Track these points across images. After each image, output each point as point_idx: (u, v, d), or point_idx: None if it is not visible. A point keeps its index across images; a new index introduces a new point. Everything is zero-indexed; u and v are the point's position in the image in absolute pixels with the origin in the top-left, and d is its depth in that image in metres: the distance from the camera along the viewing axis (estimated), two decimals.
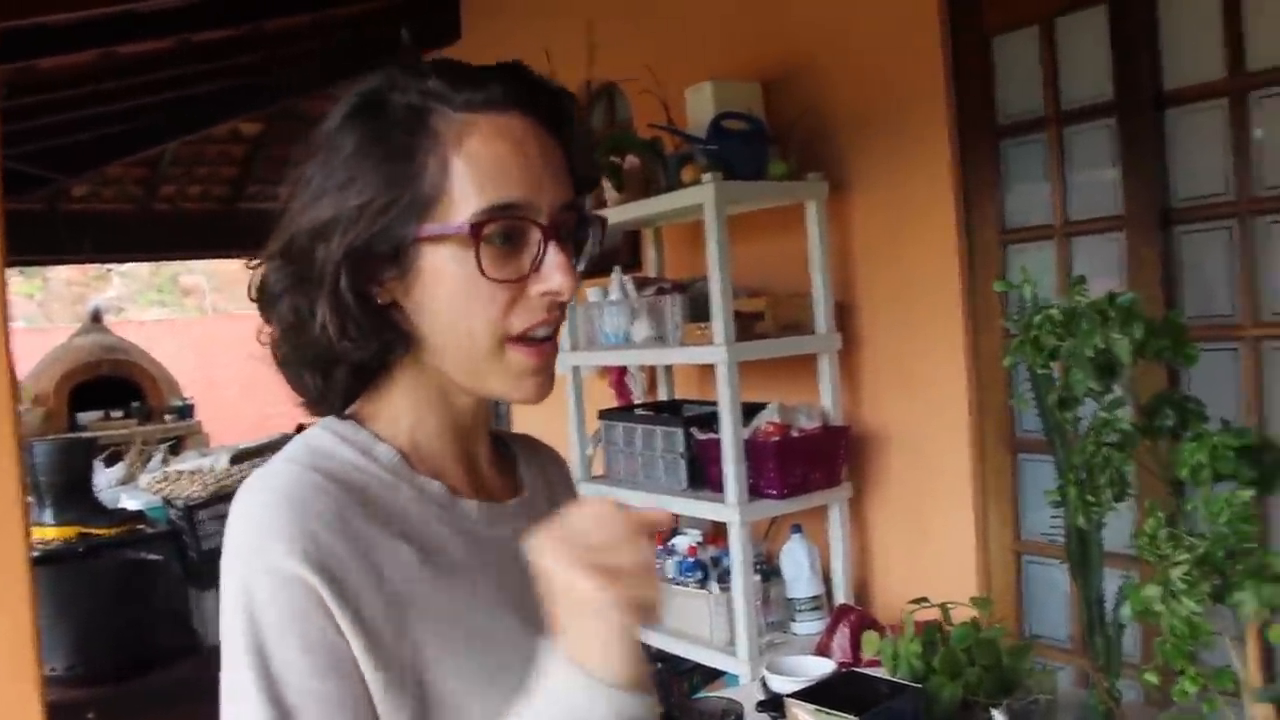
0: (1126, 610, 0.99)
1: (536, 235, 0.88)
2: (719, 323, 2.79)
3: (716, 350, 2.80)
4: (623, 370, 3.78)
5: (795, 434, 2.90)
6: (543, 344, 0.91)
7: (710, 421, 2.97)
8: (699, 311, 2.98)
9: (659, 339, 3.10)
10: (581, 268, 0.93)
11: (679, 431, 3.05)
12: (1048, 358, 0.96)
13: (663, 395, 3.70)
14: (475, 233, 0.85)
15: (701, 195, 2.83)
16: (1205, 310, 2.55)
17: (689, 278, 3.29)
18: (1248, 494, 0.88)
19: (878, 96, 3.02)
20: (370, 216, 0.85)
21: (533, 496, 1.05)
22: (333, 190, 0.87)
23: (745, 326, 2.91)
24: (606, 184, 3.21)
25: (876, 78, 3.01)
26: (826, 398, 3.05)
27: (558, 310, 0.91)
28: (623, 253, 3.83)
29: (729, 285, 2.80)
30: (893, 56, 2.97)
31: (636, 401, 3.73)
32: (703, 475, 3.03)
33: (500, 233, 0.87)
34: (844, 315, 3.10)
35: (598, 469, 3.53)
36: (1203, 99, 2.52)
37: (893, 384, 3.03)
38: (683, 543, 3.26)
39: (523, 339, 0.90)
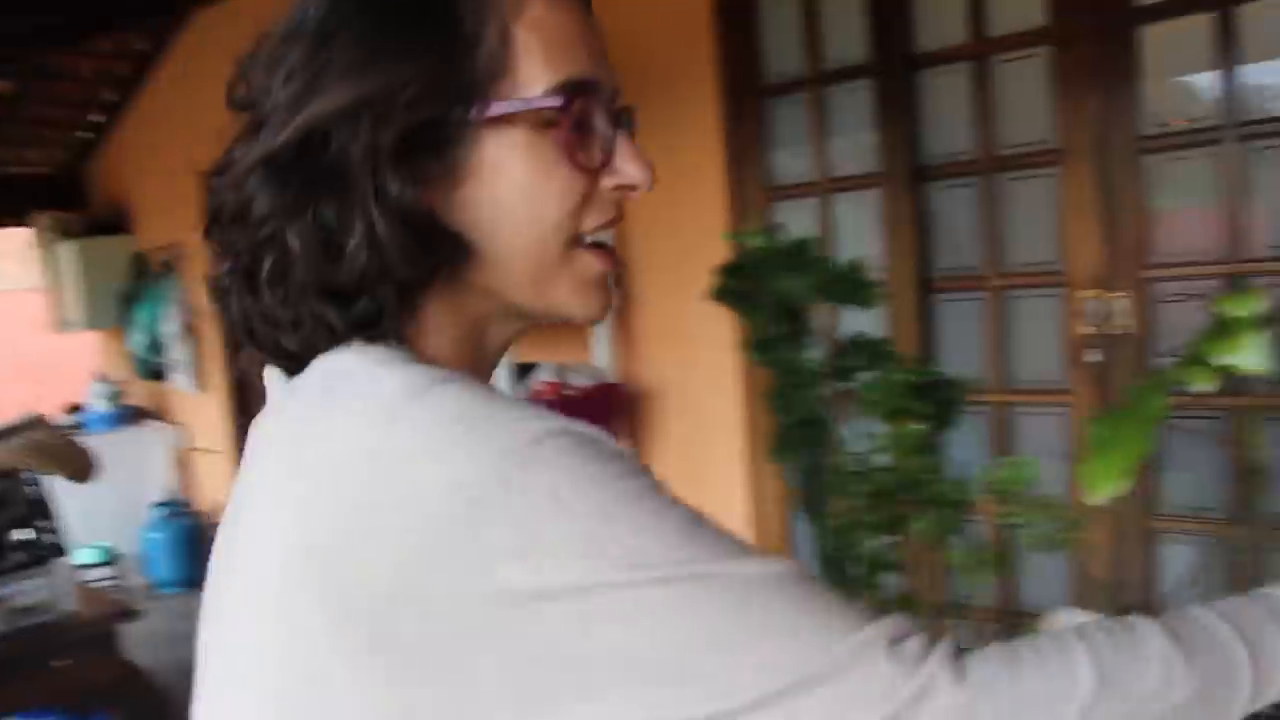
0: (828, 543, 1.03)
1: (604, 121, 0.73)
2: None
3: None
4: None
5: (570, 392, 2.92)
6: (609, 249, 0.78)
7: None
8: None
9: None
10: None
11: None
12: (743, 303, 0.99)
13: None
14: (566, 108, 0.71)
15: None
16: (955, 262, 2.68)
17: None
18: (922, 428, 0.92)
19: (647, 57, 3.03)
20: (412, 97, 0.68)
21: None
22: (345, 69, 0.68)
23: None
24: None
25: (645, 39, 3.03)
26: (601, 356, 3.07)
27: (622, 210, 0.78)
28: None
29: None
30: (660, 18, 2.99)
31: None
32: None
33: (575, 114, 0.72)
34: (618, 274, 3.13)
35: None
36: (950, 61, 2.64)
37: (667, 341, 3.08)
38: None
39: (591, 243, 0.76)
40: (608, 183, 0.74)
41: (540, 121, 0.71)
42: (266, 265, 0.69)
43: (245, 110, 0.73)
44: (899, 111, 2.68)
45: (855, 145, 2.80)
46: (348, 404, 0.66)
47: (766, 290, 0.91)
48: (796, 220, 2.87)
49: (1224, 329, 1.05)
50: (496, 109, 0.70)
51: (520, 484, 0.58)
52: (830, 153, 2.84)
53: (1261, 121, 2.27)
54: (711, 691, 0.58)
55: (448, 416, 0.62)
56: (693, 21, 2.92)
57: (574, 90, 0.71)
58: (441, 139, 0.70)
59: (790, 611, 0.60)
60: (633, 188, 0.75)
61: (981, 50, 2.58)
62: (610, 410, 3.02)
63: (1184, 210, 2.48)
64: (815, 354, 1.03)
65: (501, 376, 2.78)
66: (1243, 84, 2.27)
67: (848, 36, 2.77)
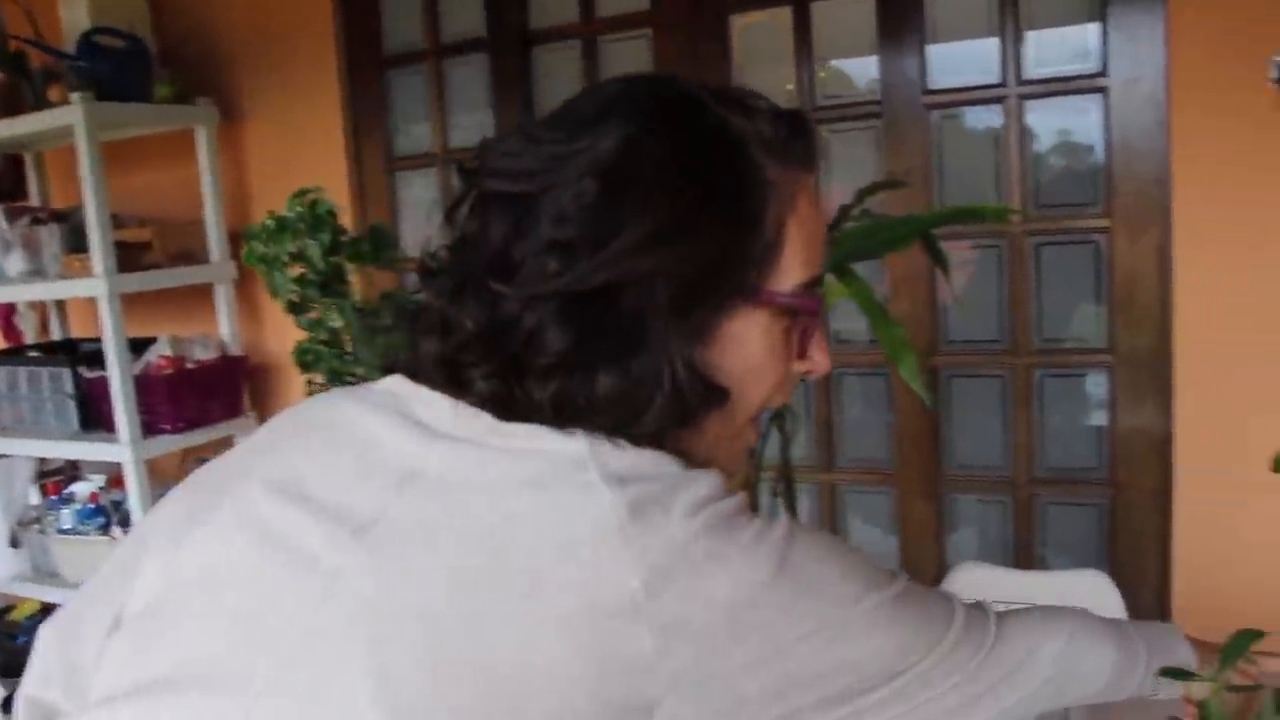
0: None
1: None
2: (98, 253, 2.64)
3: (96, 283, 2.65)
4: (10, 310, 3.47)
5: (190, 366, 2.83)
6: (759, 420, 0.86)
7: (103, 359, 2.81)
8: (81, 242, 2.80)
9: (36, 273, 2.88)
10: None
11: (65, 371, 2.87)
12: (267, 264, 1.03)
13: (57, 335, 3.44)
14: (815, 308, 0.79)
15: (70, 116, 2.64)
16: None
17: (74, 206, 3.07)
18: None
19: (269, 22, 2.97)
20: (707, 272, 0.74)
21: None
22: (651, 233, 0.72)
23: (132, 257, 2.78)
24: None
25: (265, 9, 2.96)
26: (224, 328, 2.99)
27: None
28: (2, 180, 3.49)
29: (107, 213, 2.65)
30: None
31: (29, 343, 3.43)
32: (97, 416, 2.87)
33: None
34: (240, 244, 3.04)
35: None
36: (562, 39, 2.75)
37: None
38: (84, 489, 3.08)
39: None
40: (800, 367, 0.83)
41: (784, 309, 0.78)
42: (552, 387, 0.72)
43: (498, 179, 0.76)
44: (514, 87, 2.77)
45: (473, 118, 2.87)
46: (684, 497, 0.70)
47: (280, 251, 0.95)
48: (418, 192, 2.92)
49: None
50: (767, 296, 0.77)
51: (803, 552, 0.72)
52: (449, 125, 2.89)
53: (833, 108, 2.52)
54: (894, 673, 0.74)
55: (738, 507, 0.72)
56: None
57: (817, 285, 0.80)
58: (711, 307, 0.76)
59: (925, 607, 0.78)
60: (811, 374, 0.84)
61: (591, 29, 2.72)
62: (235, 384, 2.96)
63: None
64: (347, 314, 1.08)
65: (114, 353, 2.66)
66: (819, 73, 2.52)
67: (466, 11, 2.83)
